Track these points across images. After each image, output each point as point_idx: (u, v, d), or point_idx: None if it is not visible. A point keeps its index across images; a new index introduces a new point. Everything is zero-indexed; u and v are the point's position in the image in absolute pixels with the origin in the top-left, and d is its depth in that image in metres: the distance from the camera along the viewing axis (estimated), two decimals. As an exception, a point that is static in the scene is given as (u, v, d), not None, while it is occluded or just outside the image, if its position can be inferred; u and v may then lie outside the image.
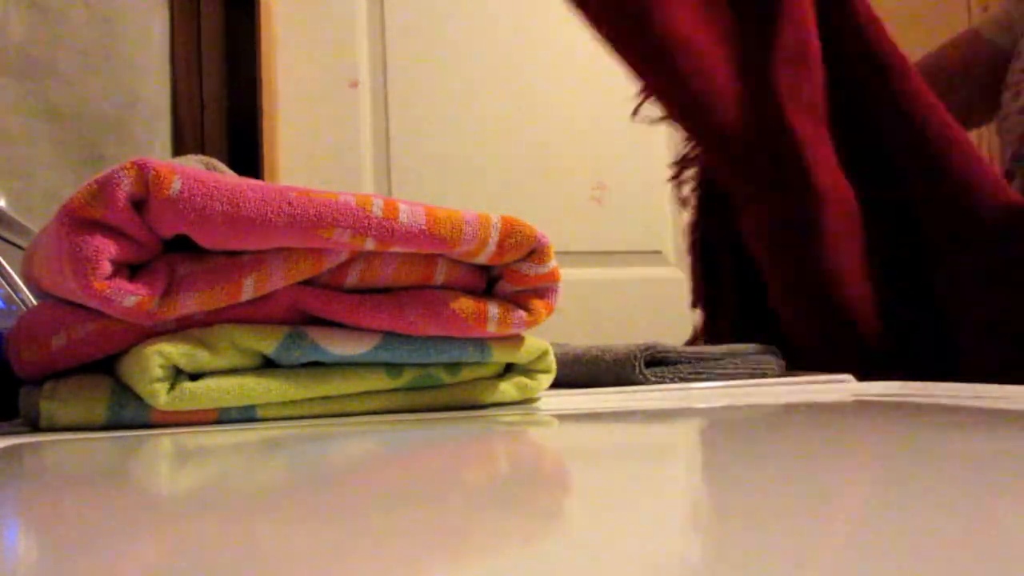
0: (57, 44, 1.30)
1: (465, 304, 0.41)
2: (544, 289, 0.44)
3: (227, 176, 0.36)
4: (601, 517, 0.15)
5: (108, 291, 0.33)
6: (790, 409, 0.41)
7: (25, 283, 0.42)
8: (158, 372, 0.35)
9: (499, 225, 0.41)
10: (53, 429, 0.36)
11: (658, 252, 1.61)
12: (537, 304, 0.43)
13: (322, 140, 1.45)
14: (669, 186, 1.65)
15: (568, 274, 1.81)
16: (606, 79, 1.61)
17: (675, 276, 1.60)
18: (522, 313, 0.43)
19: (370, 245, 0.38)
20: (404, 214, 0.38)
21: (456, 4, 1.53)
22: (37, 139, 1.27)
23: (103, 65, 1.30)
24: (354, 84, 1.49)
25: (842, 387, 0.54)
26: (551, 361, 0.46)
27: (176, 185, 0.34)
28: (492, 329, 0.42)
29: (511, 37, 1.54)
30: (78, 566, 0.12)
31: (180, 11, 1.34)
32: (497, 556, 0.12)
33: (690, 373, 0.58)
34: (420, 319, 0.40)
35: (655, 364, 0.59)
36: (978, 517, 0.13)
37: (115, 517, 0.16)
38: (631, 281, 1.56)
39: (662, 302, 1.56)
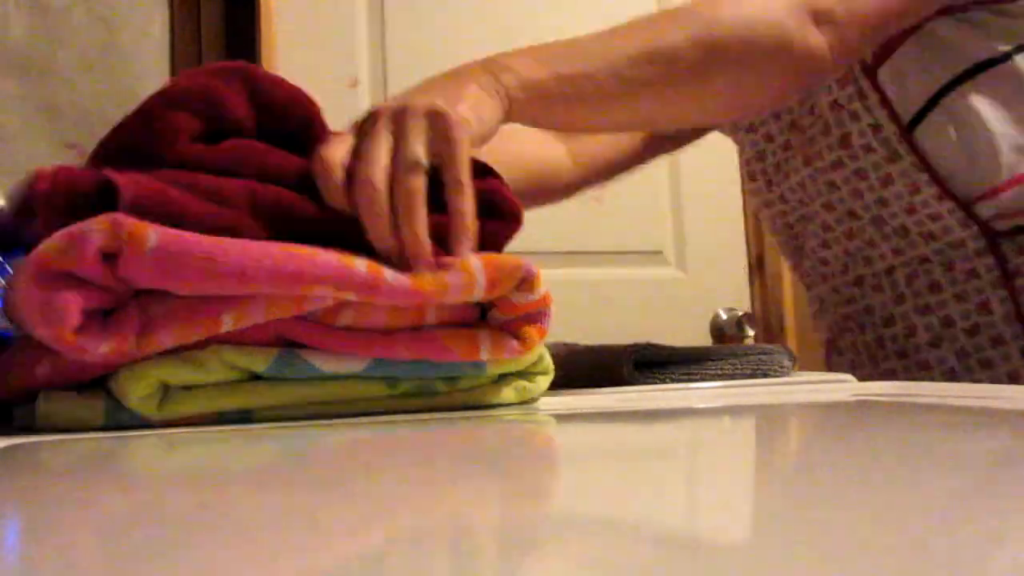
0: (57, 44, 1.30)
1: (457, 338, 0.41)
2: (536, 315, 0.44)
3: (203, 237, 0.36)
4: (588, 513, 0.15)
5: (80, 342, 0.33)
6: (790, 409, 0.41)
7: (8, 317, 0.42)
8: (147, 390, 0.35)
9: (483, 268, 0.41)
10: (48, 431, 0.36)
11: (658, 252, 1.61)
12: (529, 331, 0.43)
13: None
14: (669, 186, 1.64)
15: (568, 274, 1.80)
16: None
17: (675, 276, 1.60)
18: (514, 343, 0.43)
19: (352, 298, 0.38)
20: (388, 273, 0.38)
21: (456, 4, 1.53)
22: (37, 138, 1.28)
23: (103, 65, 1.30)
24: (354, 84, 1.49)
25: (842, 387, 0.54)
26: (548, 363, 0.46)
27: (151, 241, 0.34)
28: (485, 358, 0.42)
29: (511, 38, 1.54)
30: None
31: (180, 11, 1.34)
32: (472, 517, 0.12)
33: (683, 374, 0.58)
34: (411, 353, 0.40)
35: (648, 365, 0.59)
36: (978, 516, 0.13)
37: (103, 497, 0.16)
38: (631, 281, 1.56)
39: (662, 302, 1.56)
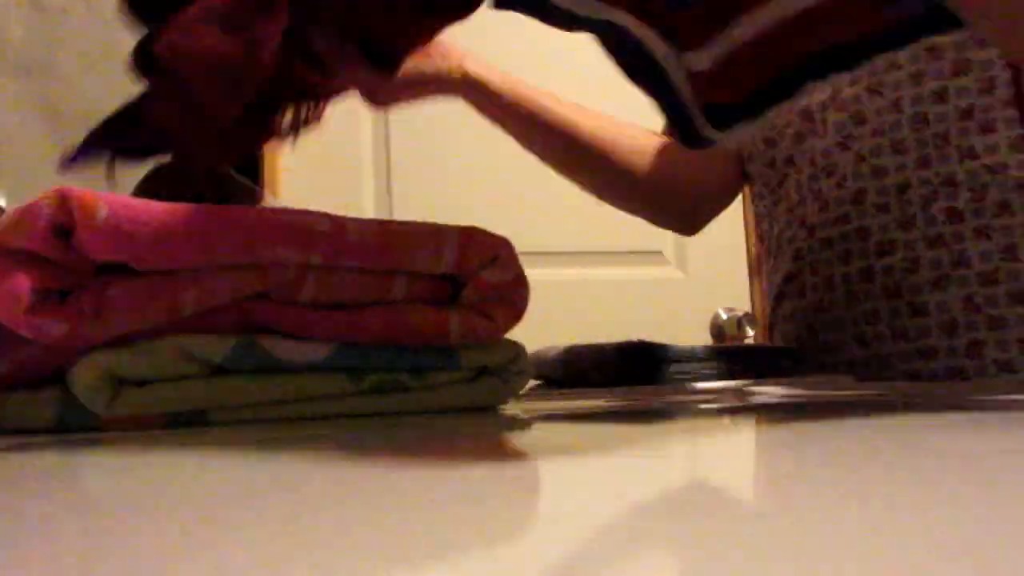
0: (57, 44, 1.31)
1: (425, 316, 0.40)
2: (510, 296, 0.42)
3: (158, 203, 0.35)
4: (567, 518, 0.15)
5: (35, 323, 0.33)
6: (787, 409, 0.41)
7: None
8: (96, 382, 0.34)
9: (456, 234, 0.40)
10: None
11: (658, 252, 1.61)
12: (502, 312, 0.42)
13: (322, 140, 1.45)
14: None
15: (568, 274, 1.80)
16: (606, 80, 1.61)
17: (675, 276, 1.60)
18: (485, 323, 0.41)
19: (316, 260, 0.37)
20: (352, 231, 0.37)
21: (456, 4, 1.53)
22: (37, 138, 1.28)
23: (103, 65, 1.30)
24: (354, 84, 1.49)
25: (842, 386, 0.54)
26: (526, 363, 0.44)
27: (102, 213, 0.33)
28: (454, 339, 0.40)
29: (511, 37, 1.54)
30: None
31: (180, 11, 1.34)
32: (449, 554, 0.12)
33: (676, 373, 0.57)
34: (376, 333, 0.39)
35: (642, 364, 0.59)
36: (978, 517, 0.13)
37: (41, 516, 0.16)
38: (631, 281, 1.56)
39: (662, 302, 1.56)
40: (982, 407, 0.36)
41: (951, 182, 0.62)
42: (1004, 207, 0.61)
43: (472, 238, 0.40)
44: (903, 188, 0.65)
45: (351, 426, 0.36)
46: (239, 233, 0.35)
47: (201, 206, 0.35)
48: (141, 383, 0.36)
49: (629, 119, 0.87)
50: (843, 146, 0.69)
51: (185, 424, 0.37)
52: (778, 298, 0.78)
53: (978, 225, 0.61)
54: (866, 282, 0.67)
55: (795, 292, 0.74)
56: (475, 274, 0.41)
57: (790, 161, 0.75)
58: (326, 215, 0.37)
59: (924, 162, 0.64)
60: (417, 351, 0.40)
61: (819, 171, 0.71)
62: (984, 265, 0.61)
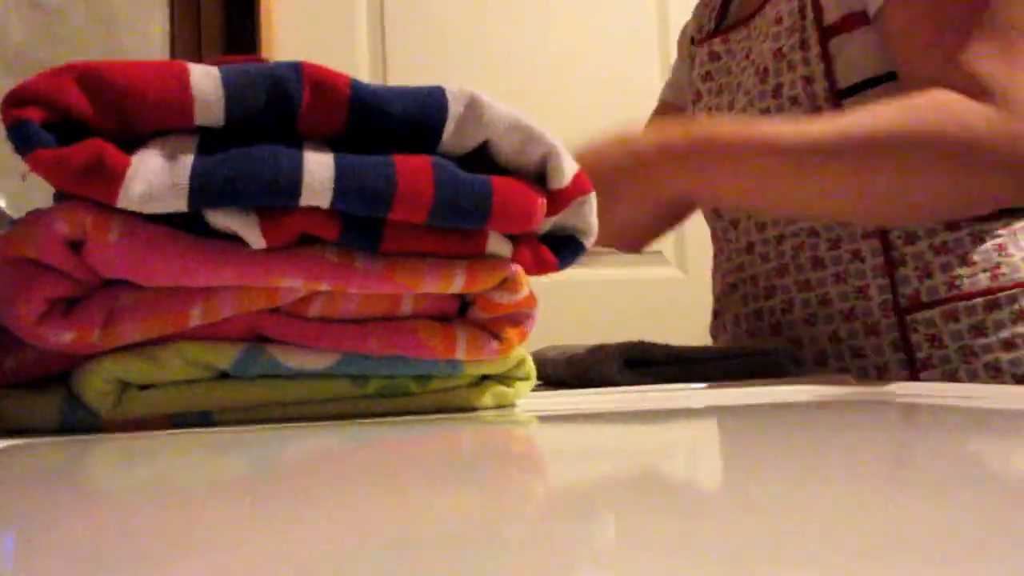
0: (57, 44, 1.30)
1: (433, 332, 0.40)
2: (519, 316, 0.43)
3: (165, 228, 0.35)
4: (562, 514, 0.15)
5: (42, 330, 0.33)
6: (787, 409, 0.41)
7: None
8: (103, 387, 0.35)
9: (463, 264, 0.40)
10: (4, 432, 0.35)
11: (658, 252, 1.61)
12: (510, 332, 0.42)
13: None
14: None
15: (568, 274, 1.80)
16: (605, 81, 1.61)
17: (675, 276, 1.60)
18: (494, 344, 0.41)
19: (325, 287, 0.37)
20: (360, 259, 0.38)
21: (456, 6, 1.53)
22: (37, 139, 1.27)
23: (103, 65, 1.29)
24: (354, 84, 1.49)
25: (841, 387, 0.54)
26: (529, 368, 0.45)
27: (113, 234, 0.33)
28: (461, 357, 0.41)
29: (511, 39, 1.54)
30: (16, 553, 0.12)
31: (180, 11, 1.34)
32: (447, 545, 0.12)
33: (677, 374, 0.57)
34: (384, 348, 0.39)
35: (641, 364, 0.58)
36: (977, 517, 0.13)
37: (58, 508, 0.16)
38: (631, 281, 1.56)
39: (662, 302, 1.56)
40: (981, 408, 0.36)
41: (814, 233, 0.74)
42: (856, 254, 0.72)
43: (480, 268, 0.40)
44: (780, 239, 0.77)
45: (353, 426, 0.36)
46: (248, 266, 0.35)
47: (212, 241, 0.36)
48: (146, 385, 0.36)
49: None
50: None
51: (189, 426, 0.37)
52: (714, 331, 0.91)
53: (836, 271, 0.73)
54: (758, 321, 0.80)
55: (720, 327, 0.88)
56: (483, 294, 0.41)
57: (717, 214, 0.88)
58: (334, 248, 0.38)
59: (789, 219, 0.76)
60: (421, 360, 0.40)
61: (728, 224, 0.84)
62: (843, 304, 0.72)
